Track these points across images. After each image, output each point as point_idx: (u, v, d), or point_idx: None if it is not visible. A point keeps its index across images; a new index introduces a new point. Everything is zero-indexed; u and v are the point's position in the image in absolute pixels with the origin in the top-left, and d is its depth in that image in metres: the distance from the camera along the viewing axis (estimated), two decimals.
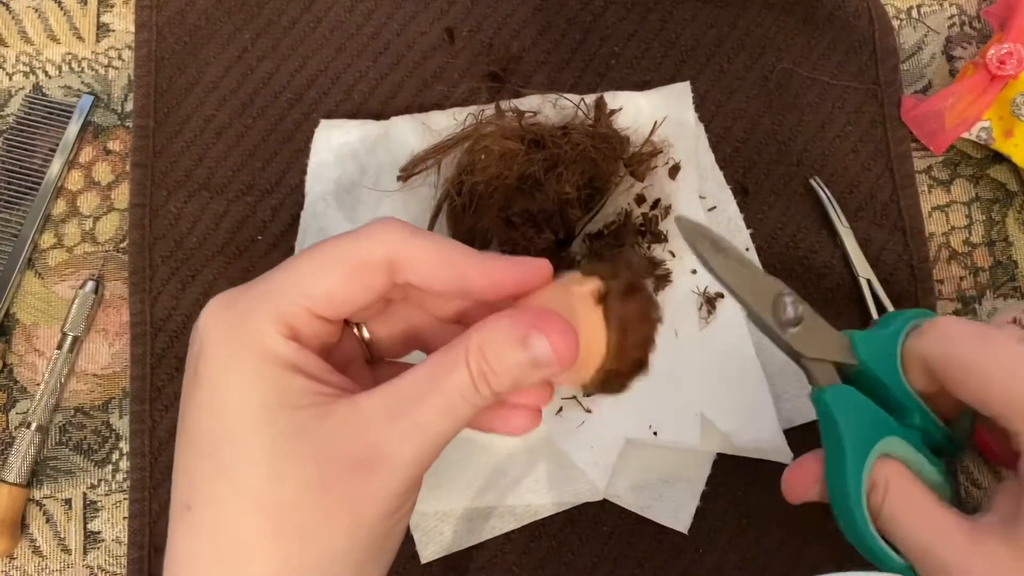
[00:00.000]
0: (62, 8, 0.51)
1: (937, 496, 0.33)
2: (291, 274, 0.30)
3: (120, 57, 0.50)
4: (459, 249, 0.31)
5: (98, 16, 0.51)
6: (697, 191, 0.45)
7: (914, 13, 0.50)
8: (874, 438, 0.33)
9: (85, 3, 0.51)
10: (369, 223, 0.30)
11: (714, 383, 0.43)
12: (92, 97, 0.49)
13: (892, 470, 0.33)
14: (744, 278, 0.34)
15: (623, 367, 0.31)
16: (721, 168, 0.47)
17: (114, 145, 0.49)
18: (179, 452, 0.30)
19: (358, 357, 0.33)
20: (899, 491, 0.32)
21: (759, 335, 0.44)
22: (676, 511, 0.43)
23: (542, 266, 0.31)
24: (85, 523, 0.45)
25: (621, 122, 0.46)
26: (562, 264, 0.43)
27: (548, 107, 0.46)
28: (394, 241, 0.30)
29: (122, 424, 0.46)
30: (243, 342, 0.29)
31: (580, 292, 0.31)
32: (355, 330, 0.33)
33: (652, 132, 0.45)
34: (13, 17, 0.51)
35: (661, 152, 0.45)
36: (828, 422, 0.33)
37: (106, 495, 0.45)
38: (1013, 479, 0.33)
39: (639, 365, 0.32)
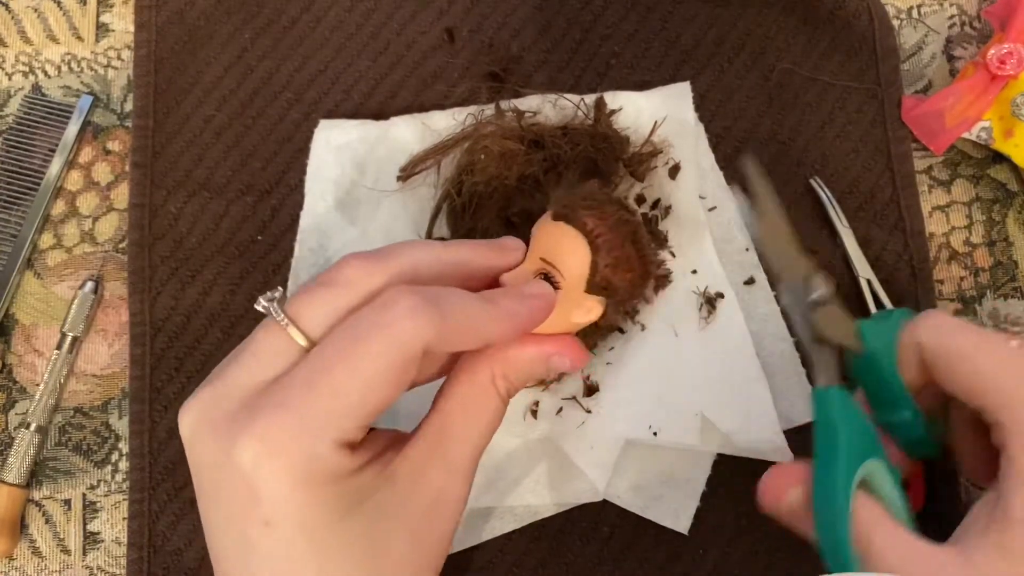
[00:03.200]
0: (61, 8, 0.51)
1: (919, 536, 0.33)
2: (340, 397, 0.29)
3: (119, 57, 0.50)
4: (477, 303, 0.31)
5: (97, 16, 0.51)
6: (697, 191, 0.45)
7: (914, 13, 0.50)
8: (864, 454, 0.33)
9: (84, 3, 0.51)
10: (391, 303, 0.29)
11: (714, 383, 0.43)
12: (91, 97, 0.49)
13: (874, 514, 0.32)
14: (782, 250, 0.35)
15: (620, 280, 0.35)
16: (721, 168, 0.47)
17: (113, 145, 0.49)
18: None
19: None
20: (884, 533, 0.32)
21: (759, 335, 0.44)
22: (676, 511, 0.43)
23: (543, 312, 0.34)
24: (84, 524, 0.45)
25: (621, 122, 0.46)
26: None
27: (548, 107, 0.46)
28: (429, 327, 0.29)
29: (121, 425, 0.46)
30: (308, 479, 0.28)
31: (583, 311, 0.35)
32: None
33: (652, 132, 0.45)
34: (12, 17, 0.51)
35: (661, 152, 0.45)
36: (827, 425, 0.33)
37: (105, 496, 0.45)
38: (989, 492, 0.33)
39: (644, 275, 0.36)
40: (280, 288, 0.31)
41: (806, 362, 0.43)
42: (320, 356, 0.29)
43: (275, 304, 0.30)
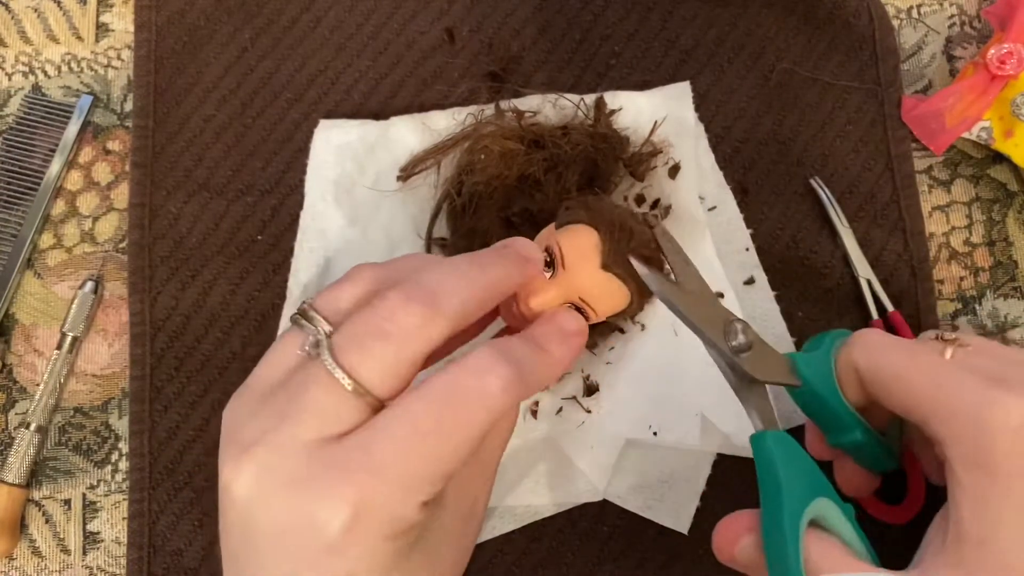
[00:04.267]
0: (61, 8, 0.51)
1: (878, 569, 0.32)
2: (432, 465, 0.29)
3: (119, 57, 0.50)
4: (539, 358, 0.32)
5: (97, 16, 0.51)
6: (697, 191, 0.45)
7: (914, 13, 0.50)
8: (811, 493, 0.32)
9: (84, 3, 0.51)
10: (484, 371, 0.30)
11: (714, 383, 0.43)
12: (91, 97, 0.49)
13: (829, 552, 0.32)
14: (698, 305, 0.35)
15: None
16: (721, 168, 0.47)
17: (113, 145, 0.49)
18: None
19: None
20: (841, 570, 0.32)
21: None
22: (676, 511, 0.43)
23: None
24: (84, 523, 0.45)
25: (621, 122, 0.46)
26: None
27: (548, 107, 0.46)
28: (516, 397, 0.30)
29: (121, 424, 0.46)
30: (392, 536, 0.29)
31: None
32: None
33: (652, 132, 0.45)
34: (12, 17, 0.51)
35: (661, 152, 0.45)
36: (767, 469, 0.33)
37: (105, 495, 0.45)
38: (939, 515, 0.33)
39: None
40: (314, 327, 0.30)
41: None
42: (411, 421, 0.29)
43: (327, 354, 0.29)
